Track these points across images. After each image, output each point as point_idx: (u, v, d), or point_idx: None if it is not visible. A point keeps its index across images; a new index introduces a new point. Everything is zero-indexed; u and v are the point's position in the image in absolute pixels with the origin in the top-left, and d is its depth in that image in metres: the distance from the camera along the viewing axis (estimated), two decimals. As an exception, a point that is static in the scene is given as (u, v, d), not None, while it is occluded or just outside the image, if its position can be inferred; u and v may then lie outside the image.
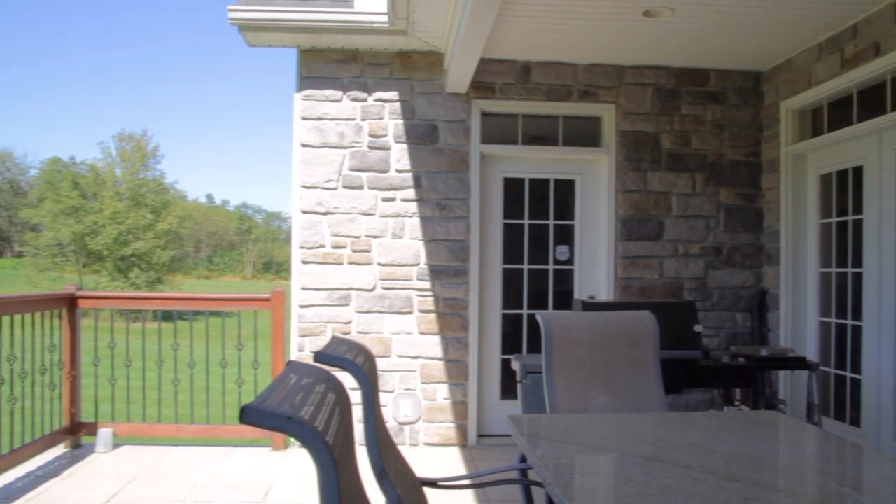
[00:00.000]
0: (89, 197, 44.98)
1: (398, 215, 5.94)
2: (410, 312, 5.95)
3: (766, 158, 6.17)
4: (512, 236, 6.25)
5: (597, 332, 3.42)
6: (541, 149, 6.23)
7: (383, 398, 5.89)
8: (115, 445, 5.72)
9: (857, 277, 5.27)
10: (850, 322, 5.38)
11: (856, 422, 5.32)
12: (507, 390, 6.13)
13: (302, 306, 5.92)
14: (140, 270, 42.84)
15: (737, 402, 5.08)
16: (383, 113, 5.96)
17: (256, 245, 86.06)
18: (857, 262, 5.28)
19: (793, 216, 5.87)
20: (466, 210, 5.98)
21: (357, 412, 4.45)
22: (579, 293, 6.23)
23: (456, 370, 5.98)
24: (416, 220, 5.94)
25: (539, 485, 2.71)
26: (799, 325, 5.84)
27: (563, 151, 6.23)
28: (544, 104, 6.09)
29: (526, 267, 6.27)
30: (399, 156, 5.95)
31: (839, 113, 5.40)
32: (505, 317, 6.24)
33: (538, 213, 6.28)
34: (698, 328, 4.81)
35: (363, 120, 5.95)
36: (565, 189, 6.30)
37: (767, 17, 4.99)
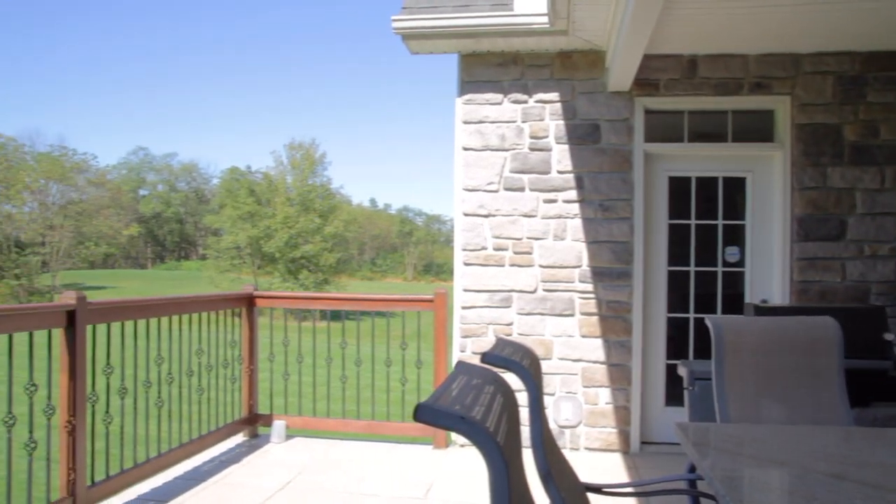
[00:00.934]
0: (263, 203, 47.88)
1: (560, 217, 5.89)
2: (572, 315, 5.88)
3: (969, 150, 5.57)
4: (677, 237, 6.02)
5: (772, 339, 3.22)
6: (708, 146, 5.95)
7: (544, 401, 5.85)
8: (288, 437, 6.04)
9: None
10: None
11: None
12: (673, 397, 5.91)
13: (464, 307, 5.99)
14: (309, 272, 45.11)
15: (935, 419, 4.63)
16: (544, 114, 5.92)
17: (417, 247, 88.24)
18: None
19: None
20: (630, 211, 5.82)
21: (522, 414, 4.43)
22: (750, 297, 5.90)
23: (618, 374, 5.84)
24: (577, 222, 5.86)
25: (709, 497, 2.59)
26: None
27: (732, 148, 5.92)
28: (712, 99, 5.81)
29: (693, 269, 6.01)
30: (560, 157, 5.90)
31: None
32: (670, 320, 6.02)
33: (706, 213, 6.01)
34: (889, 336, 4.42)
35: (524, 122, 5.94)
36: (735, 187, 5.98)
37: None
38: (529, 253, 5.93)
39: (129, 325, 4.61)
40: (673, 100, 5.85)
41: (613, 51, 5.19)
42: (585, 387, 5.86)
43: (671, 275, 6.01)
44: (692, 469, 2.67)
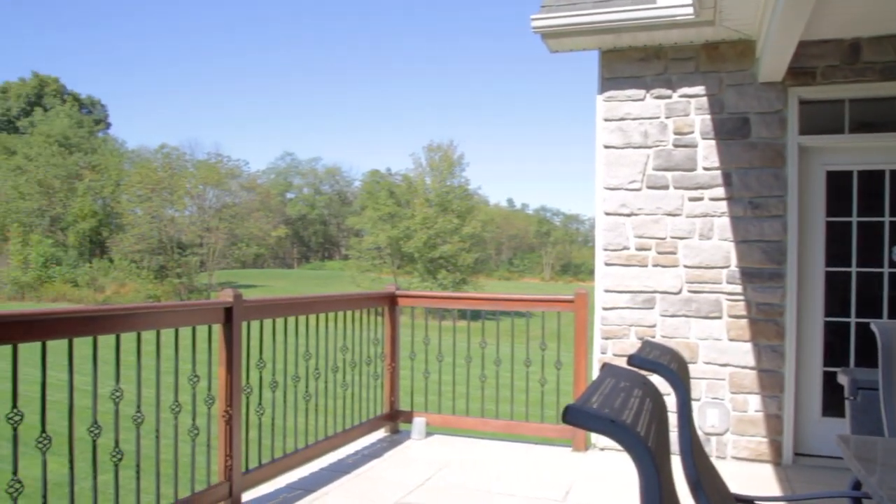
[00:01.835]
0: (403, 204, 49.00)
1: (706, 215, 5.65)
2: (719, 317, 5.62)
3: None
4: (836, 236, 5.61)
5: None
6: (873, 136, 5.51)
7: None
8: (428, 434, 6.14)
9: None
10: None
11: None
12: (830, 406, 5.53)
13: (605, 308, 5.87)
14: (447, 272, 45.74)
15: None
16: (689, 109, 5.70)
17: (555, 247, 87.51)
18: None
19: None
20: (783, 208, 5.50)
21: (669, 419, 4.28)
22: (922, 301, 5.42)
23: (769, 381, 5.53)
24: (725, 220, 5.60)
25: (878, 516, 2.39)
26: None
27: (900, 139, 5.46)
28: (877, 85, 5.37)
29: (854, 270, 5.60)
30: (706, 153, 5.66)
31: None
32: (828, 325, 5.63)
33: (869, 210, 5.56)
34: None
35: (667, 118, 5.75)
36: (903, 182, 5.51)
37: None
38: (673, 253, 5.73)
39: (279, 321, 4.84)
40: (832, 88, 5.46)
41: (765, 39, 4.92)
42: (733, 393, 5.59)
43: (829, 276, 5.62)
44: (856, 486, 2.48)
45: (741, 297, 5.57)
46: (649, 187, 5.78)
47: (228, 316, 4.18)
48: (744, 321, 5.57)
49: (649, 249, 5.77)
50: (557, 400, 5.93)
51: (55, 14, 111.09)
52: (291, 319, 4.96)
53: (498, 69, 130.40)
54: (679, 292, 5.71)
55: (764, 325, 5.53)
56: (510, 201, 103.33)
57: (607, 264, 5.88)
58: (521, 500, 4.59)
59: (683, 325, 5.70)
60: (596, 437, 5.82)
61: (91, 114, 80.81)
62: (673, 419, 2.11)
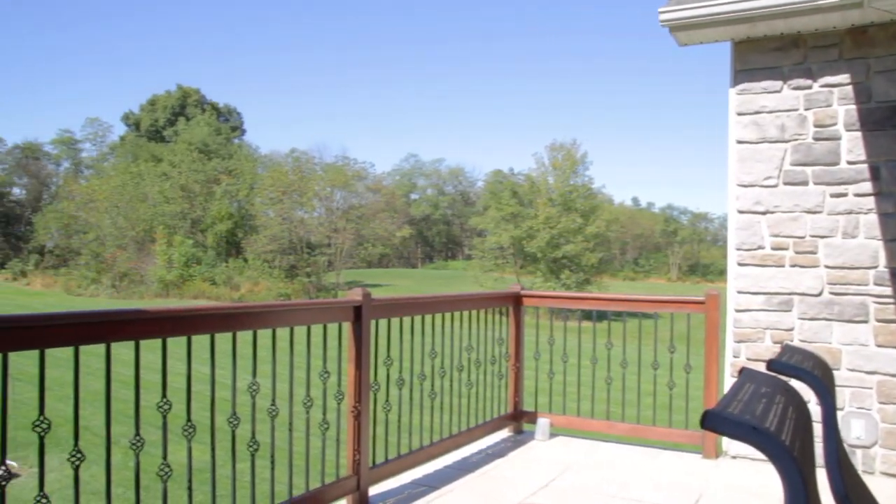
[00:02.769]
0: (526, 204, 48.89)
1: (850, 212, 5.30)
2: (865, 321, 5.26)
3: None
4: None
5: None
6: None
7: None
8: (552, 435, 6.08)
9: None
10: None
11: None
12: None
13: (738, 311, 5.62)
14: (570, 272, 45.28)
15: None
16: (831, 99, 5.37)
17: (682, 247, 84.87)
18: None
19: None
20: (939, 204, 5.08)
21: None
22: None
23: (924, 391, 5.12)
24: (873, 217, 5.23)
25: None
26: None
27: None
28: None
29: None
30: (851, 146, 5.30)
31: None
32: None
33: None
34: None
35: (807, 109, 5.43)
36: None
37: None
38: (813, 252, 5.40)
39: (405, 320, 4.93)
40: None
41: (919, 22, 4.56)
42: (882, 403, 5.21)
43: None
44: None
45: (891, 300, 5.19)
46: (786, 183, 5.48)
47: (358, 314, 4.29)
48: (894, 326, 5.19)
49: (786, 249, 5.47)
50: (686, 405, 5.74)
51: (197, 28, 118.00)
52: (418, 318, 5.04)
53: (623, 66, 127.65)
54: (819, 294, 5.38)
55: (917, 331, 5.13)
56: (635, 200, 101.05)
57: (740, 264, 5.62)
58: (649, 507, 4.47)
59: (824, 329, 5.37)
60: (727, 445, 5.58)
61: (228, 121, 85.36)
62: (817, 429, 1.99)
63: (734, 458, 5.51)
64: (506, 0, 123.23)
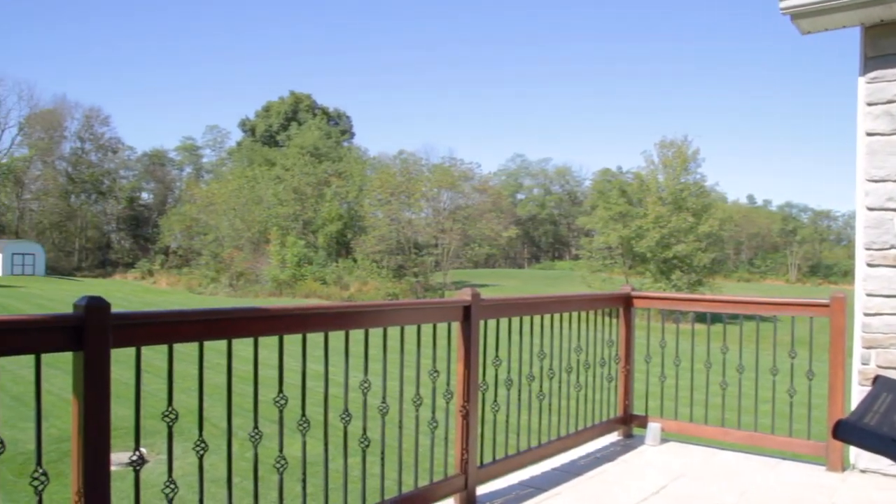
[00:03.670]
0: (635, 203, 47.92)
1: None
2: None
3: None
4: None
5: None
6: None
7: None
8: (663, 440, 5.91)
9: None
10: None
11: None
12: None
13: (867, 314, 5.28)
14: (681, 272, 44.06)
15: None
16: (972, 88, 4.98)
17: (802, 247, 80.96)
18: None
19: None
20: None
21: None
22: None
23: None
24: None
25: None
26: None
27: None
28: None
29: None
30: None
31: None
32: None
33: None
34: None
35: (944, 99, 5.06)
36: None
37: None
38: (952, 253, 5.02)
39: (514, 320, 4.91)
40: None
41: None
42: None
43: None
44: None
45: None
46: (922, 179, 5.11)
47: (467, 314, 4.30)
48: None
49: (922, 249, 5.11)
50: (809, 413, 5.45)
51: (309, 36, 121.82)
52: (526, 318, 5.01)
53: (736, 59, 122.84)
54: (960, 298, 5.00)
55: None
56: (751, 197, 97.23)
57: (870, 265, 5.29)
58: (768, 519, 4.28)
59: (966, 336, 4.98)
60: (855, 457, 5.26)
61: (338, 125, 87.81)
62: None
63: (863, 471, 5.19)
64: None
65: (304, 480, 3.37)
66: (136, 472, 2.78)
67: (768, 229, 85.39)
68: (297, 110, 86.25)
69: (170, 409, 2.85)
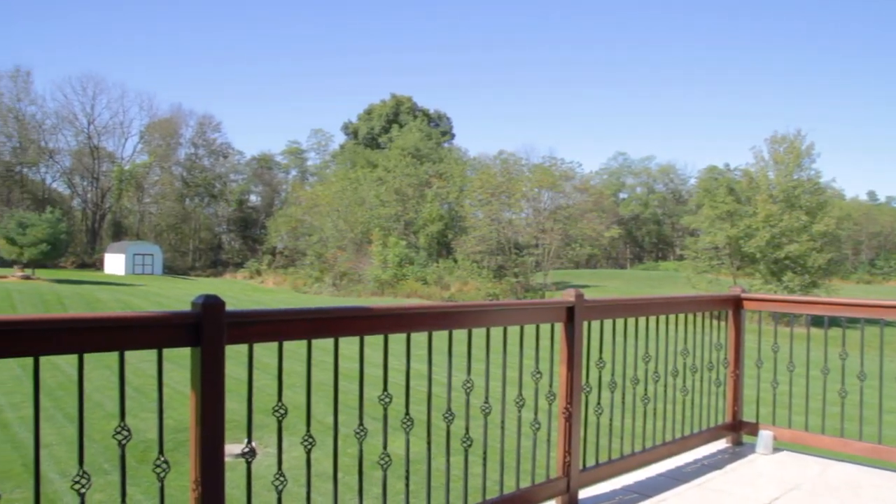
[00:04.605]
0: (743, 201, 46.19)
1: None
2: None
3: None
4: None
5: None
6: None
7: None
8: (775, 449, 5.67)
9: None
10: None
11: None
12: None
13: None
14: (794, 273, 42.19)
15: None
16: None
17: (929, 247, 75.97)
18: None
19: None
20: None
21: None
22: None
23: None
24: None
25: None
26: None
27: None
28: None
29: None
30: None
31: None
32: None
33: None
34: None
35: None
36: None
37: None
38: None
39: (618, 322, 4.82)
40: None
41: None
42: None
43: None
44: None
45: None
46: None
47: (570, 315, 4.26)
48: None
49: None
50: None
51: (409, 38, 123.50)
52: (630, 320, 4.91)
53: (850, 49, 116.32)
54: None
55: None
56: (872, 194, 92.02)
57: None
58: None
59: None
60: None
61: (438, 126, 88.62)
62: None
63: None
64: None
65: (406, 477, 3.41)
66: (248, 464, 2.89)
67: (891, 228, 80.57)
68: (398, 112, 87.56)
69: (279, 404, 2.95)
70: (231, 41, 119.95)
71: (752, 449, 5.71)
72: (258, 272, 69.87)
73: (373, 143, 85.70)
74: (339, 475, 3.24)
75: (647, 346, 5.03)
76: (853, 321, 5.63)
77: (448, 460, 3.66)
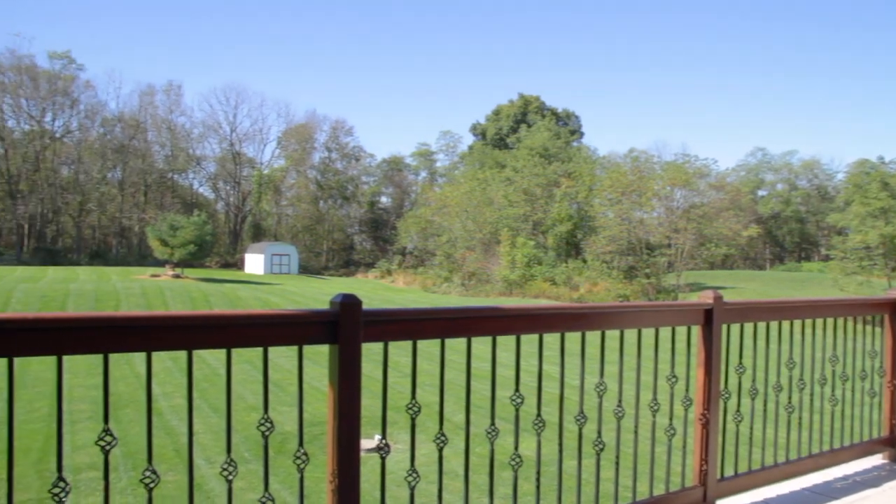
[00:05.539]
0: (898, 197, 43.02)
1: None
2: None
3: None
4: None
5: None
6: None
7: None
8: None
9: None
10: None
11: None
12: None
13: None
14: (957, 276, 38.79)
15: None
16: None
17: None
18: None
19: None
20: None
21: None
22: None
23: None
24: None
25: None
26: None
27: None
28: None
29: None
30: None
31: None
32: None
33: None
34: None
35: None
36: None
37: None
38: None
39: (759, 325, 4.60)
40: None
41: None
42: None
43: None
44: None
45: None
46: None
47: (708, 317, 4.11)
48: None
49: None
50: None
51: (536, 38, 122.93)
52: (773, 324, 4.67)
53: None
54: None
55: None
56: None
57: None
58: None
59: None
60: None
61: (566, 125, 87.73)
62: None
63: None
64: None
65: (537, 479, 3.39)
66: (383, 459, 2.96)
67: None
68: (526, 112, 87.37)
69: (413, 402, 3.00)
70: (363, 47, 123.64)
71: (912, 465, 5.30)
72: (389, 272, 71.60)
73: (501, 143, 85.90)
74: (468, 475, 3.27)
75: (791, 351, 4.77)
76: None
77: (580, 463, 3.61)
